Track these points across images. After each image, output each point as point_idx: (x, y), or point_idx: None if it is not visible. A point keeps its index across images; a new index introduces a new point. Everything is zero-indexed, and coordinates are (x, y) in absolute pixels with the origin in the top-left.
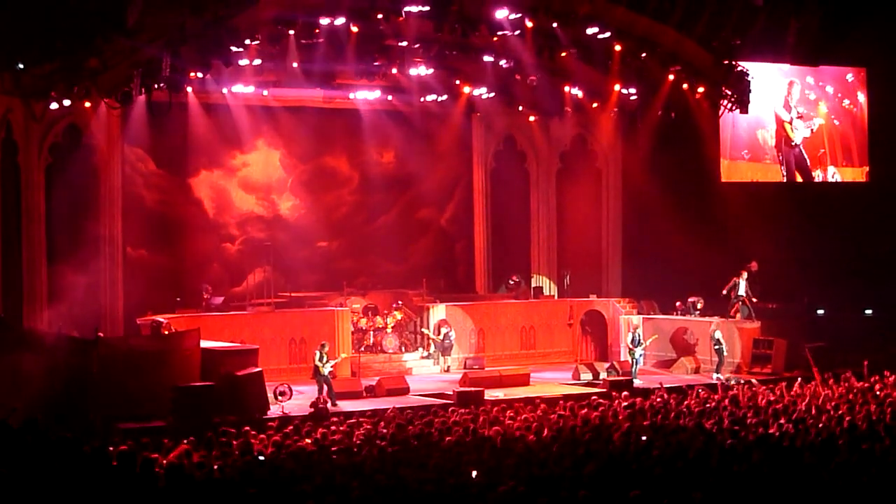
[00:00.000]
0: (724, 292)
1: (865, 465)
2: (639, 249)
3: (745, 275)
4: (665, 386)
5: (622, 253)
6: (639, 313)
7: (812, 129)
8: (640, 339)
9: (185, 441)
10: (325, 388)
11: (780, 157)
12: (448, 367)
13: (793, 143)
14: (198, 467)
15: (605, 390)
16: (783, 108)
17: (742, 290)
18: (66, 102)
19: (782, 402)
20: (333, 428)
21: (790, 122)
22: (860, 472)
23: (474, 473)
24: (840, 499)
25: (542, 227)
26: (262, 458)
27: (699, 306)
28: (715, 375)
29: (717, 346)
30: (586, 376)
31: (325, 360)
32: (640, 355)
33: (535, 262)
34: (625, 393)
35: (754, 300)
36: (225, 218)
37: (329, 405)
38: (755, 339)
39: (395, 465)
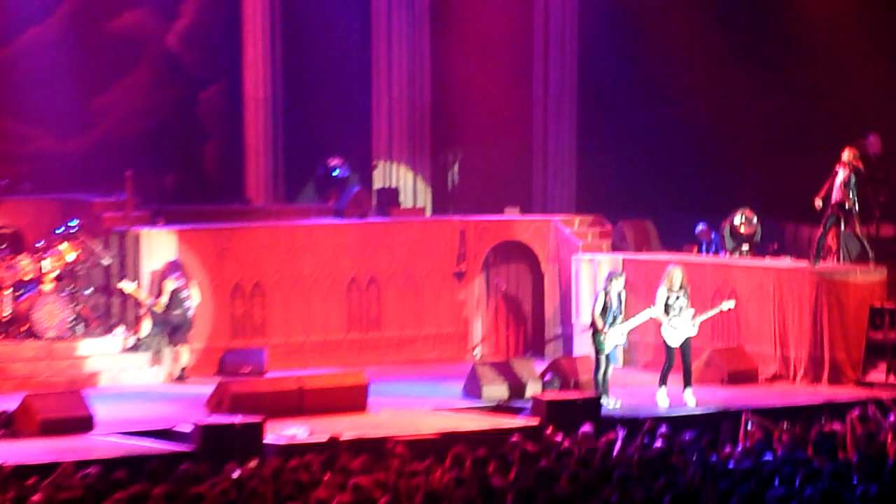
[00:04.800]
0: (820, 203)
1: None
2: (607, 118)
3: (850, 165)
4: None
5: (575, 122)
6: (615, 248)
7: None
8: (619, 311)
9: None
10: None
11: None
12: (183, 370)
13: None
14: None
15: (536, 423)
16: None
17: (848, 197)
18: None
19: None
20: None
21: None
22: None
23: None
24: None
25: (398, 69)
26: None
27: (751, 235)
28: (608, 404)
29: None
30: (494, 391)
31: None
32: (619, 346)
33: (379, 137)
34: (584, 429)
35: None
36: None
37: None
38: (873, 308)
39: None
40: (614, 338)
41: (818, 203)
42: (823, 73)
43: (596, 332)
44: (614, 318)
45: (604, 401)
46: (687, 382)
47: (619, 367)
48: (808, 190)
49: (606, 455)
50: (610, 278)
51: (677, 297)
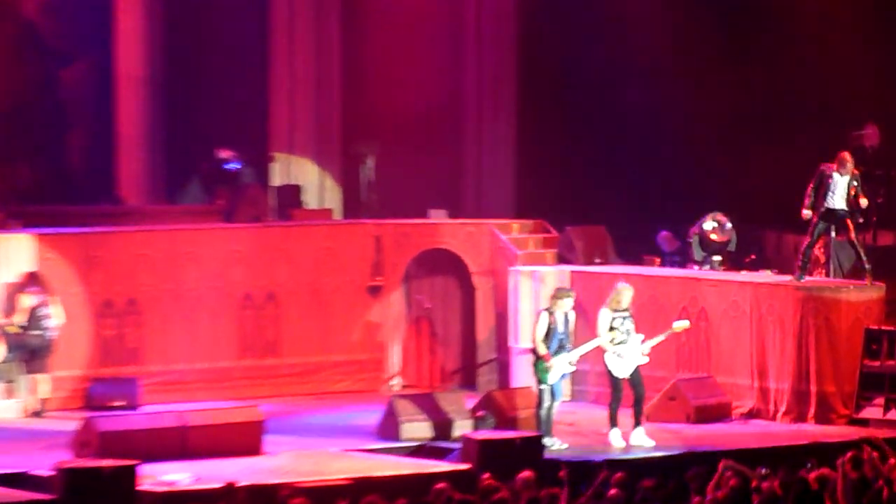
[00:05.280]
0: (808, 213)
1: None
2: (553, 107)
3: (845, 165)
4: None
5: (514, 110)
6: (561, 259)
7: None
8: (566, 335)
9: None
10: None
11: None
12: (42, 403)
13: None
14: None
15: (466, 468)
16: None
17: (838, 202)
18: None
19: None
20: None
21: None
22: None
23: None
24: None
25: (302, 45)
26: None
27: (724, 244)
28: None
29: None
30: (416, 430)
31: None
32: (566, 376)
33: (279, 126)
34: (523, 475)
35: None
36: None
37: None
38: (869, 331)
39: None
40: (560, 367)
41: (806, 213)
42: (809, 54)
43: (538, 360)
44: (560, 344)
45: (547, 441)
46: (638, 421)
47: (566, 400)
48: (793, 190)
49: None
50: (555, 296)
51: (623, 320)
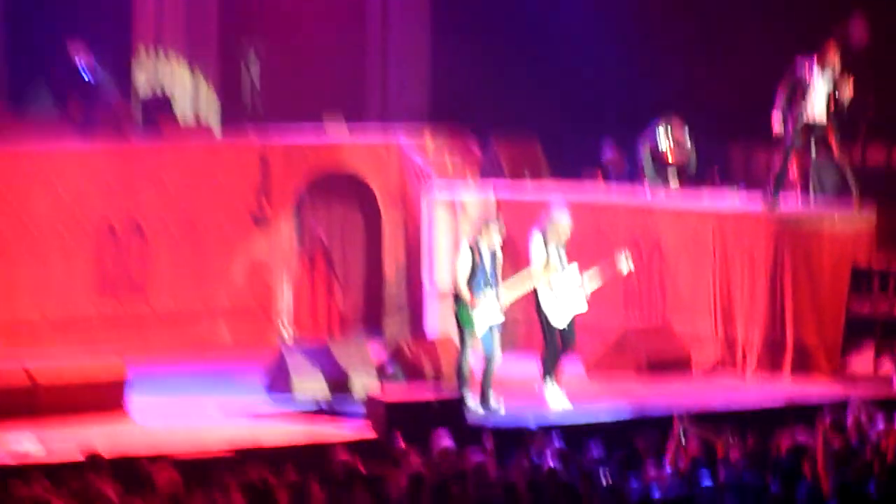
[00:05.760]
0: (780, 125)
1: None
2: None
3: (827, 62)
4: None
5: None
6: (484, 181)
7: None
8: (494, 274)
9: None
10: None
11: None
12: None
13: None
14: None
15: (371, 434)
16: None
17: (818, 112)
18: None
19: None
20: None
21: None
22: None
23: None
24: None
25: None
26: None
27: (681, 162)
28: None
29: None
30: (310, 387)
31: None
32: (495, 325)
33: (144, 22)
34: (442, 443)
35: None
36: None
37: None
38: (856, 270)
39: None
40: (487, 313)
41: (777, 127)
42: None
43: (460, 305)
44: (487, 286)
45: (469, 402)
46: (554, 377)
47: (496, 353)
48: (766, 98)
49: (477, 480)
50: (482, 227)
51: (560, 255)
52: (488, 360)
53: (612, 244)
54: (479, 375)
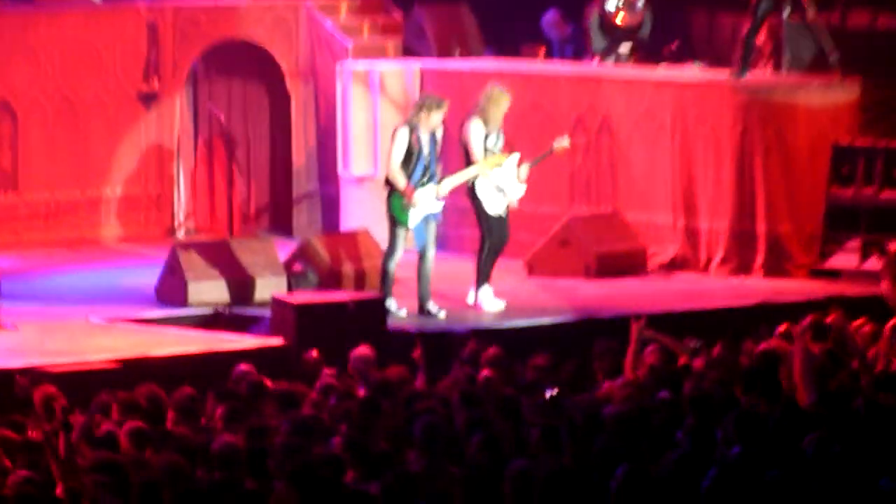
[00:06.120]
0: None
1: None
2: None
3: None
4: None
5: None
6: (408, 52)
7: None
8: (433, 160)
9: None
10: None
11: None
12: None
13: None
14: None
15: (277, 342)
16: None
17: None
18: None
19: None
20: None
21: None
22: None
23: None
24: None
25: None
26: None
27: (633, 28)
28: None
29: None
30: (207, 291)
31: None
32: (431, 215)
33: None
34: (360, 351)
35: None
36: None
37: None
38: (837, 148)
39: None
40: (424, 203)
41: None
42: None
43: (394, 195)
44: (425, 173)
45: (392, 305)
46: (484, 270)
47: (409, 248)
48: None
49: (406, 396)
50: (421, 107)
51: (497, 137)
52: (422, 256)
53: (555, 121)
54: (414, 277)
